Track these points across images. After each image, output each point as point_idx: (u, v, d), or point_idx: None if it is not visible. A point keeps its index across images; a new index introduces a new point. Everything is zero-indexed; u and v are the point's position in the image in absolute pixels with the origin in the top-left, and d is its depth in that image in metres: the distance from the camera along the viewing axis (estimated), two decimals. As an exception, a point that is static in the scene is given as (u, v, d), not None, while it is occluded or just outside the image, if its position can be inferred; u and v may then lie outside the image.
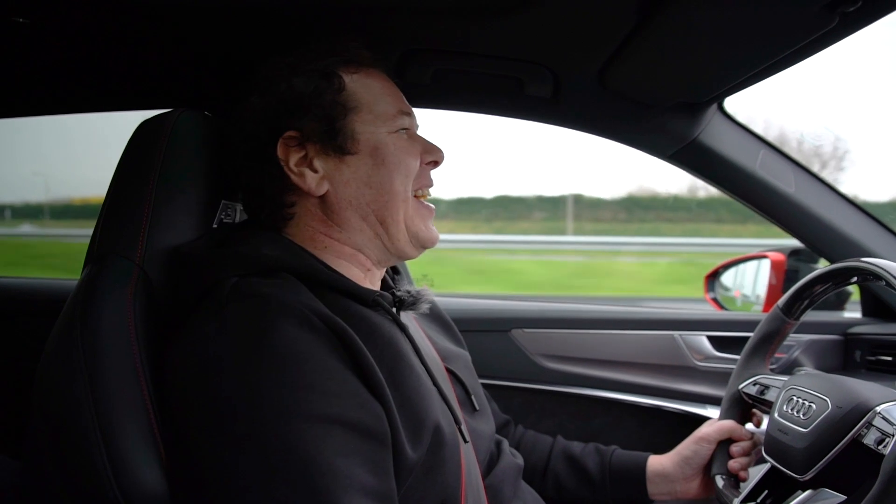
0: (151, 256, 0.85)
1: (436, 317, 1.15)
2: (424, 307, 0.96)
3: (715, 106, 1.33)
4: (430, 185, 0.97)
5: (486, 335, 1.58)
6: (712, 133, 1.36)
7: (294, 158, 0.89)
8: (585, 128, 1.42)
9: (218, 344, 0.73)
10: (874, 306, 1.57)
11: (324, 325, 0.75)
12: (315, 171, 0.89)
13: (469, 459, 0.90)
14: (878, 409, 0.86)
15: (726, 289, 1.97)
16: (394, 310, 0.89)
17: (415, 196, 0.94)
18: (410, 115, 0.96)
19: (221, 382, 0.70)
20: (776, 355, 1.33)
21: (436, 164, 0.97)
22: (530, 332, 1.60)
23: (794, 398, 0.98)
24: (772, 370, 1.19)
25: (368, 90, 0.92)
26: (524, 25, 1.02)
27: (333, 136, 0.88)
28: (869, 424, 0.86)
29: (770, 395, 1.09)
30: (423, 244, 0.95)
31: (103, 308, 0.78)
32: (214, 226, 0.96)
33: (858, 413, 0.87)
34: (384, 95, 0.93)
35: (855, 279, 1.08)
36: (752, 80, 1.14)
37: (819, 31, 0.89)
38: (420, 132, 0.99)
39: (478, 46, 1.14)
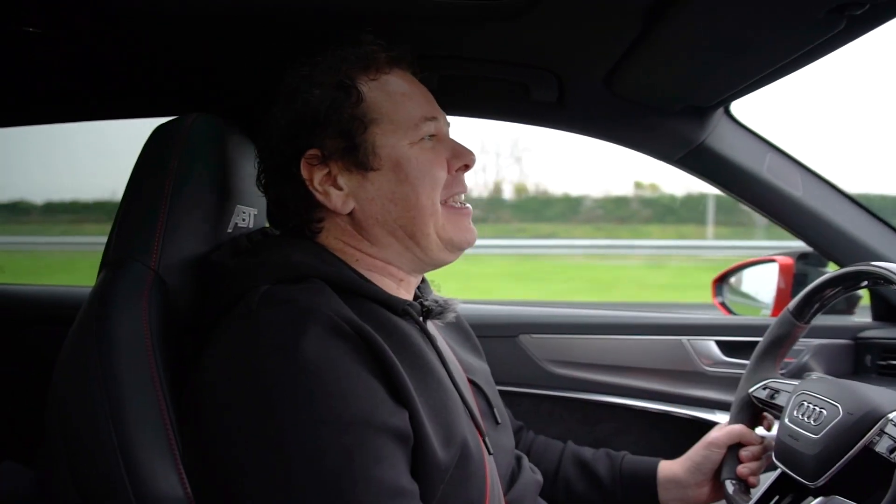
0: (167, 261, 0.85)
1: (458, 327, 1.14)
2: (451, 316, 0.95)
3: (722, 110, 1.33)
4: (464, 190, 0.94)
5: (493, 340, 1.58)
6: (719, 137, 1.36)
7: (318, 177, 0.87)
8: (592, 132, 1.42)
9: (247, 351, 0.73)
10: (885, 310, 1.56)
11: (353, 332, 0.75)
12: (340, 189, 0.87)
13: (493, 473, 0.90)
14: (891, 416, 0.85)
15: (735, 293, 1.96)
16: (421, 319, 0.89)
17: (446, 204, 0.91)
18: (437, 118, 0.92)
19: (250, 390, 0.71)
20: (786, 360, 1.32)
21: (466, 167, 0.93)
22: (538, 337, 1.59)
23: (805, 403, 0.98)
24: (782, 374, 1.18)
25: (388, 98, 0.89)
26: (530, 31, 1.03)
27: (354, 152, 0.86)
28: (881, 432, 0.85)
29: (780, 400, 1.08)
30: (459, 248, 0.92)
31: (118, 314, 0.78)
32: (229, 230, 0.96)
33: (870, 420, 0.87)
34: (406, 101, 0.90)
35: (865, 283, 1.07)
36: (759, 84, 1.14)
37: (826, 35, 0.89)
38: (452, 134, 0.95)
39: (483, 52, 1.14)
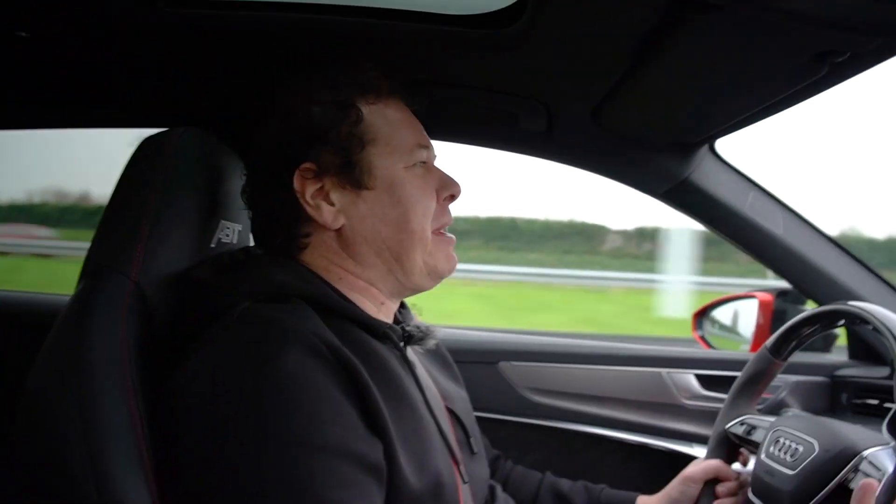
0: (148, 273, 0.84)
1: (437, 354, 1.13)
2: (432, 343, 0.95)
3: (707, 147, 1.36)
4: (450, 221, 0.95)
5: (473, 367, 1.57)
6: (703, 173, 1.38)
7: (310, 190, 0.87)
8: (578, 163, 1.43)
9: (222, 366, 0.72)
10: (861, 349, 1.58)
11: (331, 355, 0.74)
12: (332, 205, 0.88)
13: (467, 502, 0.89)
14: (865, 454, 0.86)
15: (715, 327, 1.98)
16: (402, 344, 0.89)
17: (437, 232, 0.92)
18: (428, 147, 0.94)
19: (222, 404, 0.70)
20: (763, 395, 1.33)
21: (453, 198, 0.95)
22: (518, 365, 1.59)
23: (781, 440, 0.98)
24: (759, 410, 1.19)
25: (386, 122, 0.91)
26: (521, 61, 1.04)
27: (350, 170, 0.87)
28: (856, 469, 0.86)
29: (757, 436, 1.09)
30: (441, 276, 0.93)
31: (97, 324, 0.77)
32: (213, 245, 0.95)
33: (845, 457, 0.87)
34: (402, 127, 0.92)
35: (842, 322, 1.08)
36: (743, 124, 1.16)
37: (809, 80, 0.91)
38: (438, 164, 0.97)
39: (474, 79, 1.16)
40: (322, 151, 0.87)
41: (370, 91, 0.91)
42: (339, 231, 0.89)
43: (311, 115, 0.87)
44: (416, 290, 0.95)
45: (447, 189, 0.94)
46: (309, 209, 0.87)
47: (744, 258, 1.52)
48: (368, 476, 0.72)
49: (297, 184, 0.87)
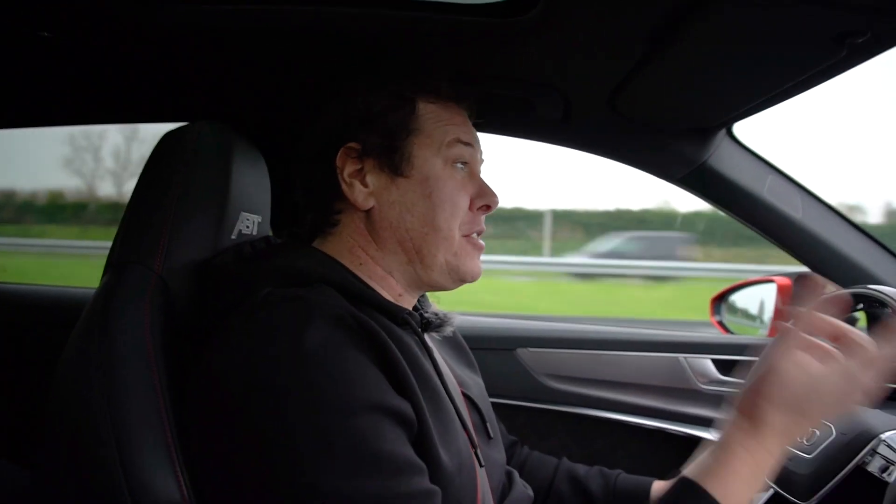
0: (171, 266, 0.86)
1: (453, 341, 1.15)
2: (449, 330, 0.97)
3: (724, 131, 1.35)
4: (483, 230, 0.96)
5: (490, 353, 1.59)
6: (721, 158, 1.37)
7: (349, 169, 0.91)
8: (595, 150, 1.43)
9: (253, 343, 0.74)
10: (881, 333, 1.57)
11: (357, 326, 0.76)
12: (365, 186, 0.91)
13: (483, 487, 0.90)
14: (883, 436, 0.86)
15: (732, 312, 1.97)
16: (420, 330, 0.90)
17: (468, 237, 0.93)
18: (471, 145, 0.95)
19: (258, 379, 0.71)
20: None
21: (488, 208, 0.96)
22: (535, 351, 1.60)
23: (799, 424, 0.98)
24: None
25: (437, 118, 0.93)
26: (536, 49, 1.04)
27: (391, 154, 0.90)
28: (873, 452, 0.86)
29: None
30: (463, 279, 0.94)
31: (121, 317, 0.79)
32: (233, 237, 0.97)
33: (863, 440, 0.88)
34: (450, 126, 0.93)
35: (861, 306, 1.08)
36: (761, 107, 1.15)
37: (828, 62, 0.91)
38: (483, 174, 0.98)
39: (490, 68, 1.16)
40: (370, 133, 0.90)
41: (430, 92, 0.94)
42: (368, 213, 0.91)
43: (368, 101, 0.91)
44: (435, 288, 0.96)
45: (483, 199, 0.94)
46: (343, 186, 0.90)
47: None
48: (404, 431, 0.75)
49: (339, 160, 0.90)
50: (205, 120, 0.96)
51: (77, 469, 0.74)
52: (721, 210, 1.48)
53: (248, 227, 1.01)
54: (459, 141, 0.93)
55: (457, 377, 1.03)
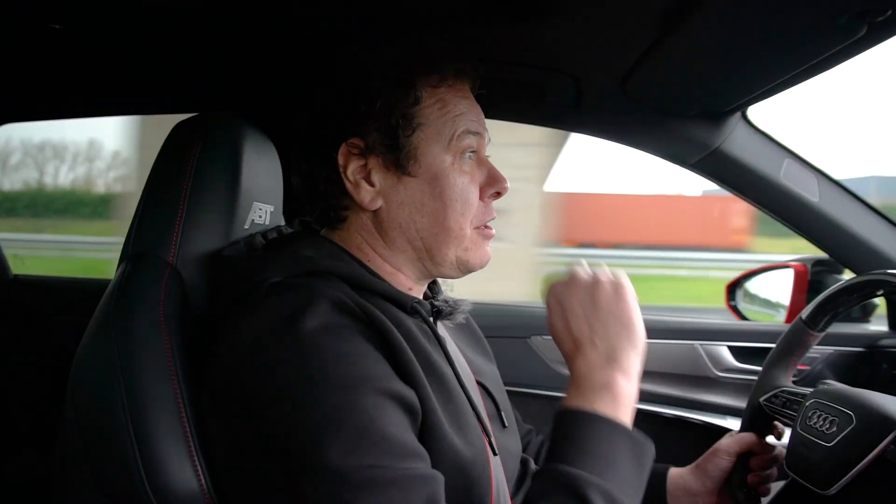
0: (185, 256, 0.87)
1: (467, 328, 1.13)
2: (461, 317, 0.95)
3: (738, 115, 1.32)
4: (493, 218, 0.92)
5: (504, 341, 1.58)
6: (736, 142, 1.35)
7: (353, 167, 0.86)
8: (607, 135, 1.41)
9: (258, 334, 0.74)
10: None
11: (361, 313, 0.76)
12: (372, 185, 0.87)
13: (498, 475, 0.90)
14: None
15: (749, 298, 1.95)
16: (430, 319, 0.89)
17: (479, 229, 0.90)
18: (479, 134, 0.90)
19: (265, 364, 0.71)
20: (799, 367, 1.31)
21: (498, 195, 0.92)
22: (549, 338, 1.58)
23: (818, 412, 0.97)
24: (794, 382, 1.17)
25: (442, 108, 0.87)
26: (547, 33, 1.03)
27: (396, 152, 0.85)
28: (895, 441, 0.85)
29: (792, 408, 1.08)
30: (470, 270, 0.92)
31: (137, 306, 0.80)
32: (246, 226, 0.97)
33: (884, 429, 0.86)
34: (456, 115, 0.88)
35: (881, 292, 1.06)
36: (777, 90, 1.13)
37: (846, 41, 0.88)
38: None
39: (501, 53, 1.15)
40: (372, 128, 0.85)
41: (434, 72, 0.88)
42: (375, 212, 0.88)
43: (368, 89, 0.85)
44: (443, 278, 0.96)
45: (493, 186, 0.90)
46: (348, 185, 0.86)
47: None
48: (407, 417, 0.74)
49: (341, 158, 0.86)
50: (215, 110, 0.96)
51: (95, 458, 0.75)
52: (737, 195, 1.46)
53: (260, 216, 1.01)
54: (468, 132, 0.89)
55: (471, 365, 1.02)
